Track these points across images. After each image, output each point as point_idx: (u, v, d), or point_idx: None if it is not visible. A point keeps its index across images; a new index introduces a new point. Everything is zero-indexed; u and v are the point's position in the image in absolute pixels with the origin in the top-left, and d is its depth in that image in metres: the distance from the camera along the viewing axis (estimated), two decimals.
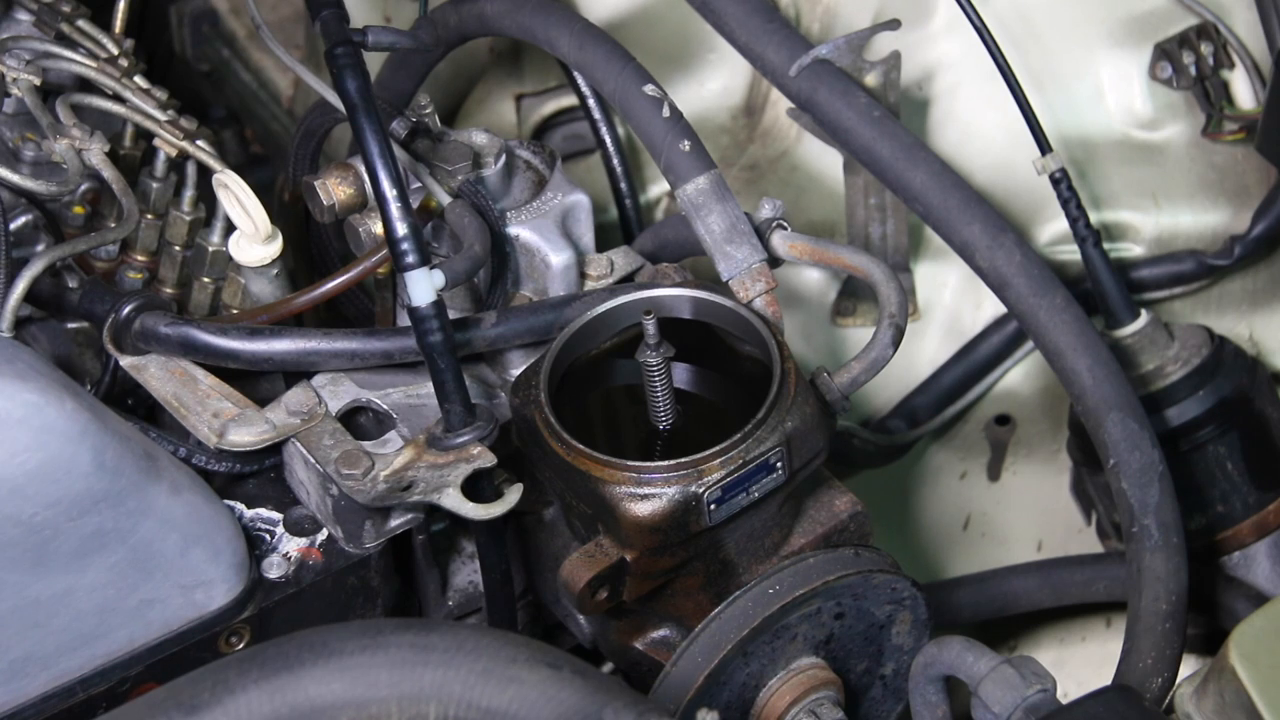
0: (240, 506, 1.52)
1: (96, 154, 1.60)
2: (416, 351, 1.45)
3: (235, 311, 1.62)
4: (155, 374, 1.51)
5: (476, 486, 1.47)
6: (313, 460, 1.48)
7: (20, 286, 1.49)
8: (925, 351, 2.13)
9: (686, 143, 1.63)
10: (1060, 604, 2.04)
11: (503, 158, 1.62)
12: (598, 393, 1.56)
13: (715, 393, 1.55)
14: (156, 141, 1.67)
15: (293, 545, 1.51)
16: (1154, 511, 1.69)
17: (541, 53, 1.82)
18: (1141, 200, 2.06)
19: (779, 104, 2.12)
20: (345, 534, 1.51)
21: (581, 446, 1.46)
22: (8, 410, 1.32)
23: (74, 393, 1.36)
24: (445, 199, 1.57)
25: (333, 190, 1.58)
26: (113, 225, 1.63)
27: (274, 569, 1.50)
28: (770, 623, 1.49)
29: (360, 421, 1.55)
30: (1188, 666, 1.87)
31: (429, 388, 1.47)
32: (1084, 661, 2.22)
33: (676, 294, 1.56)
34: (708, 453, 1.45)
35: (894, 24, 1.81)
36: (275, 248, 1.58)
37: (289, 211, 1.75)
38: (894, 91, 1.96)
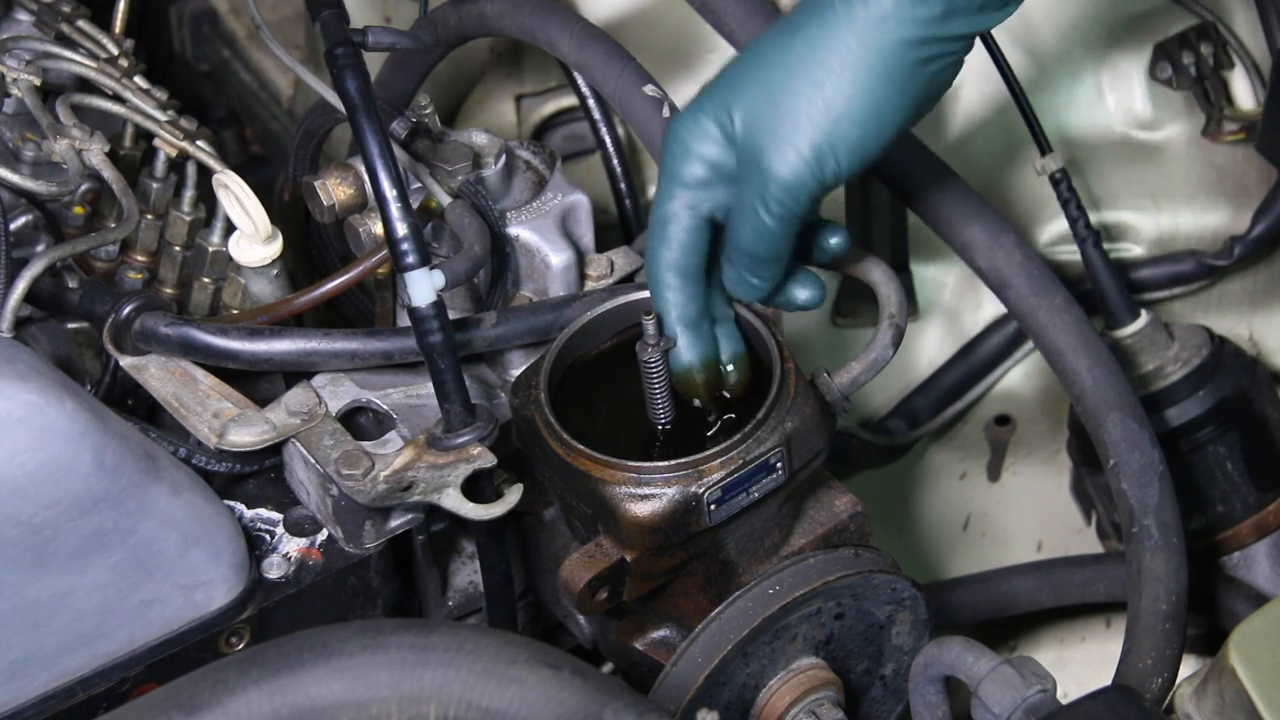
0: (240, 507, 1.52)
1: (96, 154, 1.60)
2: (416, 351, 1.45)
3: (235, 311, 1.62)
4: (155, 374, 1.51)
5: (476, 487, 1.47)
6: (313, 460, 1.48)
7: (20, 286, 1.49)
8: (925, 351, 2.13)
9: None
10: (1060, 604, 2.04)
11: (503, 158, 1.62)
12: (598, 393, 1.56)
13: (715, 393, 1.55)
14: (156, 142, 1.67)
15: (293, 545, 1.51)
16: (1154, 512, 1.69)
17: (541, 53, 1.82)
18: (1141, 200, 2.06)
19: None
20: (345, 534, 1.51)
21: (581, 447, 1.46)
22: (8, 410, 1.32)
23: (74, 393, 1.36)
24: (445, 199, 1.57)
25: (333, 190, 1.58)
26: (113, 225, 1.63)
27: (274, 569, 1.50)
28: (770, 623, 1.49)
29: (360, 421, 1.55)
30: (1188, 666, 1.87)
31: (429, 388, 1.47)
32: (1084, 661, 2.22)
33: None
34: (708, 453, 1.45)
35: None
36: (275, 248, 1.58)
37: (289, 211, 1.75)
38: None
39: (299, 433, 1.49)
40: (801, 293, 1.52)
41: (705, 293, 1.49)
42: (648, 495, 1.45)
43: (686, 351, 1.49)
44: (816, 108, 1.41)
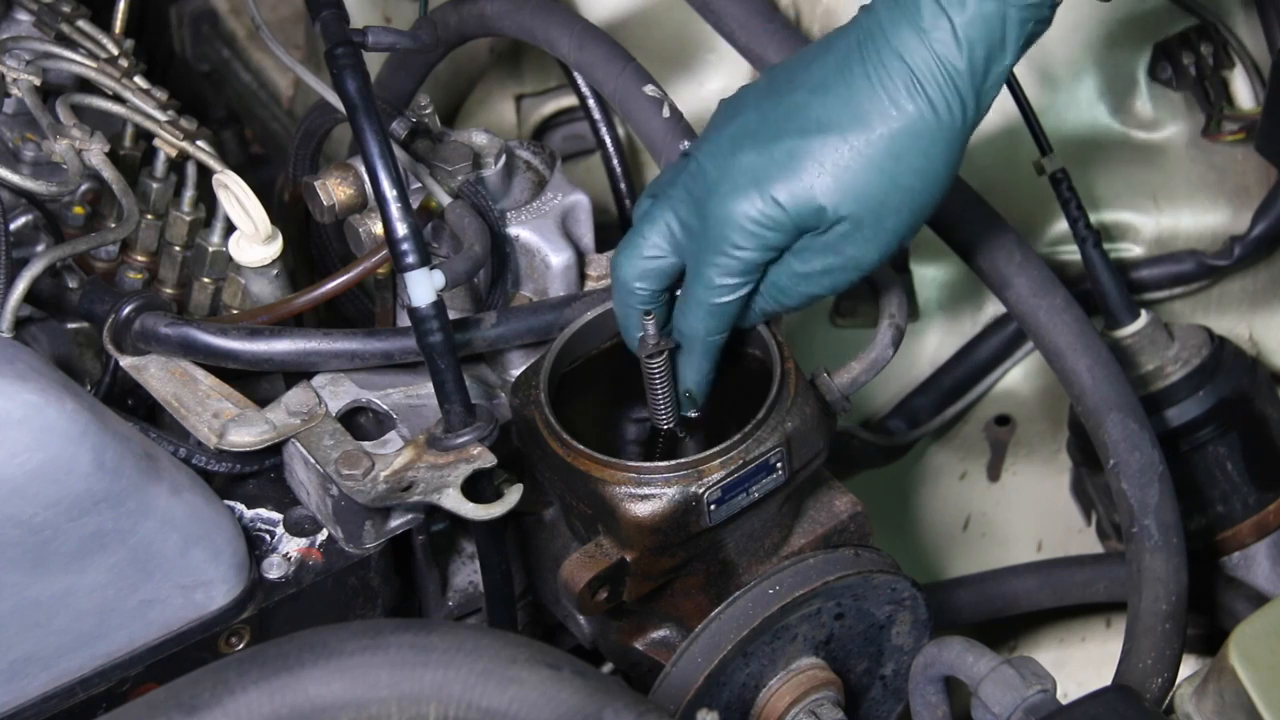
0: (240, 507, 1.52)
1: (96, 154, 1.60)
2: (416, 352, 1.45)
3: (235, 311, 1.62)
4: (155, 374, 1.51)
5: (476, 487, 1.47)
6: (313, 460, 1.48)
7: (20, 286, 1.49)
8: (925, 351, 2.13)
9: (686, 143, 1.63)
10: (1060, 604, 2.04)
11: (503, 158, 1.62)
12: (598, 393, 1.56)
13: (715, 393, 1.55)
14: (156, 142, 1.67)
15: (293, 545, 1.51)
16: (1154, 512, 1.69)
17: (541, 53, 1.82)
18: (1141, 200, 2.06)
19: None
20: (345, 534, 1.51)
21: (581, 447, 1.46)
22: (8, 410, 1.32)
23: (74, 393, 1.36)
24: (445, 199, 1.57)
25: (333, 190, 1.58)
26: (113, 225, 1.63)
27: (274, 569, 1.50)
28: (770, 623, 1.49)
29: (360, 422, 1.55)
30: (1188, 666, 1.87)
31: (429, 388, 1.47)
32: (1084, 661, 2.22)
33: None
34: (708, 453, 1.45)
35: None
36: (275, 248, 1.58)
37: (289, 211, 1.75)
38: None
39: (299, 433, 1.49)
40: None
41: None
42: (648, 495, 1.44)
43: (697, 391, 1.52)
44: (915, 199, 1.42)
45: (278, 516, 1.53)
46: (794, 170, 1.41)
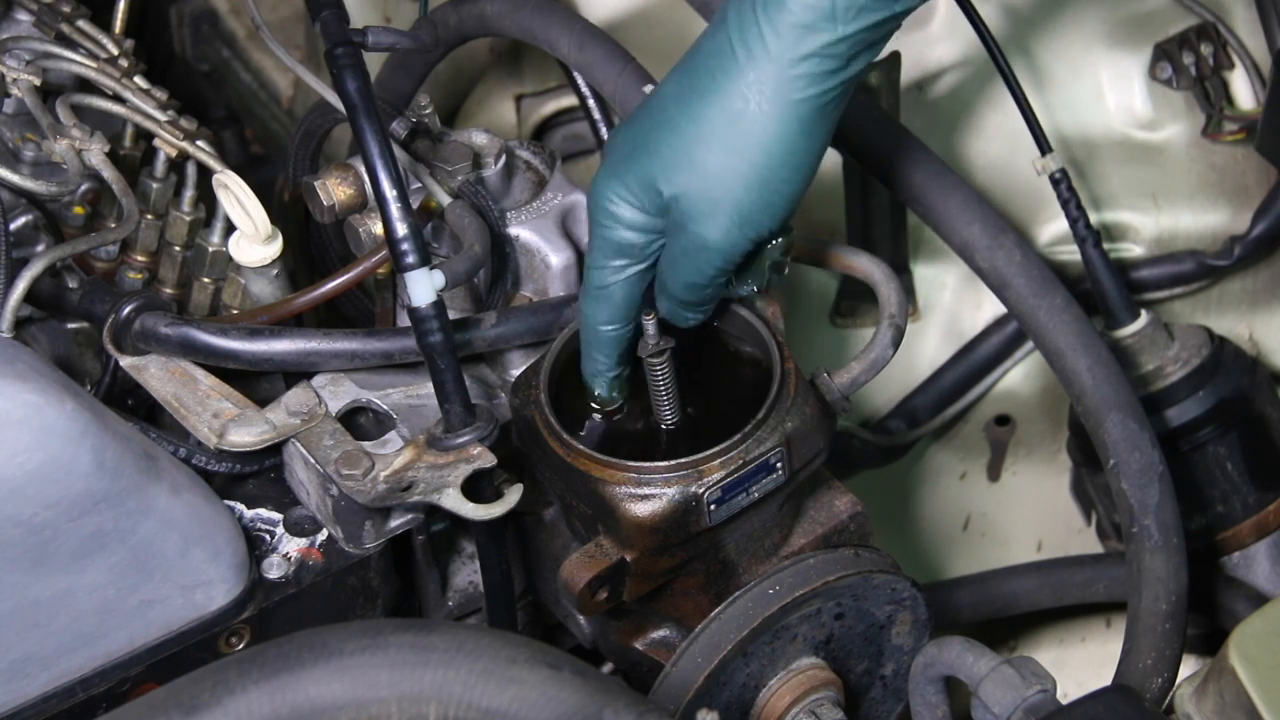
0: (240, 507, 1.52)
1: (96, 154, 1.60)
2: (416, 352, 1.45)
3: (235, 311, 1.62)
4: (155, 374, 1.51)
5: (476, 487, 1.47)
6: (313, 460, 1.48)
7: (20, 286, 1.49)
8: (925, 351, 2.13)
9: None
10: (1060, 604, 2.04)
11: (503, 158, 1.62)
12: None
13: (715, 393, 1.55)
14: (156, 142, 1.67)
15: (293, 545, 1.51)
16: (1154, 512, 1.69)
17: (541, 53, 1.82)
18: (1141, 200, 2.06)
19: None
20: (345, 534, 1.51)
21: (581, 447, 1.46)
22: (8, 410, 1.32)
23: (74, 393, 1.36)
24: (445, 199, 1.57)
25: (333, 190, 1.58)
26: (113, 225, 1.63)
27: (274, 569, 1.50)
28: (770, 623, 1.49)
29: (360, 422, 1.55)
30: (1188, 666, 1.87)
31: (429, 388, 1.48)
32: (1084, 661, 2.22)
33: None
34: (708, 453, 1.45)
35: None
36: (275, 248, 1.58)
37: (289, 211, 1.75)
38: (894, 92, 1.96)
39: (299, 433, 1.49)
40: (740, 289, 1.52)
41: (630, 351, 1.51)
42: (648, 495, 1.45)
43: (601, 388, 1.53)
44: (742, 176, 1.41)
45: (278, 516, 1.53)
46: (640, 154, 1.43)
